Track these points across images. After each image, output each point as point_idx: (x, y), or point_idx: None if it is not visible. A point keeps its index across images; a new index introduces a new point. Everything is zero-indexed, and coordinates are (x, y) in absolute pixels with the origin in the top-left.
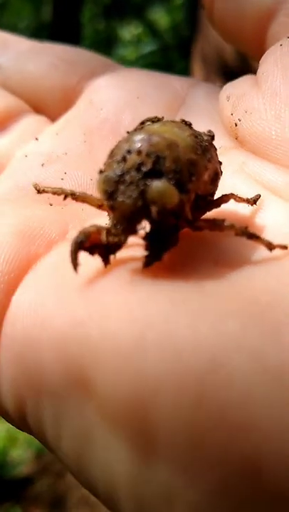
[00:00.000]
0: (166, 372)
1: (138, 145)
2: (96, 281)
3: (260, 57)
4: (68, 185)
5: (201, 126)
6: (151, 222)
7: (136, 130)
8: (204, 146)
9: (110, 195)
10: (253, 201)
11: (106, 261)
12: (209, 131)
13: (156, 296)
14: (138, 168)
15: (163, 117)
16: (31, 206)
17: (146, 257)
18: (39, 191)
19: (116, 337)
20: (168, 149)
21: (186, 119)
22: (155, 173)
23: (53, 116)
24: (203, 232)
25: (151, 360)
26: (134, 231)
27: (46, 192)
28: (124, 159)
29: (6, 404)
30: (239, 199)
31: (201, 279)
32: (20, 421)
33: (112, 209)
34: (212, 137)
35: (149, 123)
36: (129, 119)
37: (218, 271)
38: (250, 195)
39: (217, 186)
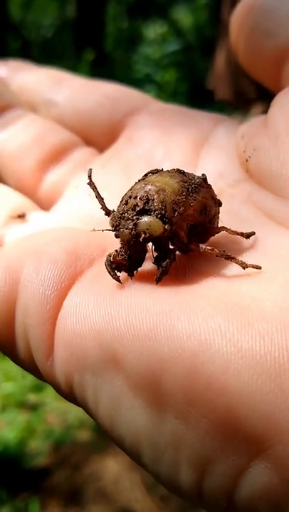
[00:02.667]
0: (171, 352)
1: (136, 192)
2: (123, 288)
3: (277, 90)
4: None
5: (219, 162)
6: (154, 248)
7: (139, 181)
8: (192, 188)
9: (116, 227)
10: (247, 235)
11: (131, 274)
12: (203, 174)
13: (165, 299)
14: (134, 208)
15: (162, 169)
16: (80, 231)
17: (157, 274)
18: (90, 184)
19: (137, 328)
20: (156, 193)
21: (208, 156)
22: (146, 211)
23: (100, 148)
24: (212, 255)
25: (161, 344)
26: (136, 252)
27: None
28: (126, 202)
29: (59, 380)
30: (231, 232)
31: (201, 287)
32: (69, 393)
33: (116, 237)
34: (204, 179)
35: (150, 174)
36: (161, 155)
37: (216, 282)
38: (252, 220)
39: (211, 216)
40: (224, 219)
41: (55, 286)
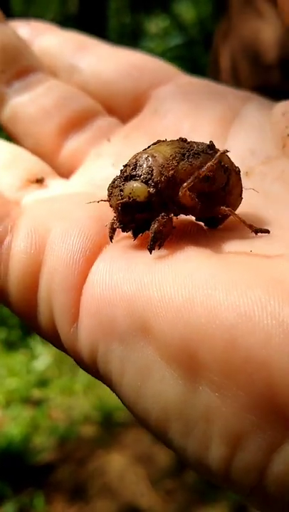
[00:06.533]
0: (208, 323)
1: (129, 161)
2: (155, 256)
3: None
4: None
5: (250, 139)
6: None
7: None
8: (190, 154)
9: (109, 196)
10: (256, 231)
11: (135, 237)
12: (210, 141)
13: (200, 269)
14: (122, 175)
15: (166, 139)
16: (103, 197)
17: (148, 242)
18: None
19: (171, 298)
20: (145, 160)
21: (239, 132)
22: (132, 176)
23: (123, 118)
24: (247, 231)
25: (197, 314)
26: (132, 220)
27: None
28: (120, 172)
29: (82, 350)
30: (239, 219)
31: (237, 261)
32: (91, 363)
33: (110, 206)
34: (209, 146)
35: (152, 145)
36: (188, 128)
37: (250, 258)
38: (283, 199)
39: (221, 184)
40: (253, 197)
41: (84, 251)
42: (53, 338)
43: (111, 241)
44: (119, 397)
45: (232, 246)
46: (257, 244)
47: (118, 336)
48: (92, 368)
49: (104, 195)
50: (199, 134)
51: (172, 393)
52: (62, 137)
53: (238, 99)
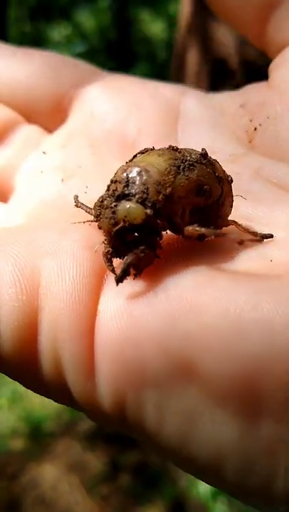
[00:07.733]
0: (267, 348)
1: (117, 176)
2: (171, 280)
3: (259, 40)
4: (93, 198)
5: (203, 136)
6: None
7: (126, 163)
8: (185, 166)
9: (97, 217)
10: (261, 237)
11: (136, 273)
12: (203, 149)
13: (236, 288)
14: (113, 193)
15: (153, 147)
16: (80, 220)
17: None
18: (77, 205)
19: (214, 327)
20: (138, 175)
21: (187, 130)
22: (125, 196)
23: (46, 126)
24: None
25: (251, 341)
26: (125, 244)
27: (81, 208)
28: (108, 188)
29: (103, 402)
30: (241, 229)
31: (266, 273)
32: (117, 415)
33: (100, 228)
34: (202, 155)
35: (139, 154)
36: (134, 130)
37: (277, 267)
38: (269, 197)
39: (216, 196)
40: (235, 200)
41: (88, 287)
42: (59, 393)
43: (114, 273)
44: (154, 445)
45: (249, 258)
46: (270, 253)
47: (152, 381)
48: (117, 419)
49: (71, 216)
50: (147, 135)
51: (227, 433)
52: None
53: (174, 93)
